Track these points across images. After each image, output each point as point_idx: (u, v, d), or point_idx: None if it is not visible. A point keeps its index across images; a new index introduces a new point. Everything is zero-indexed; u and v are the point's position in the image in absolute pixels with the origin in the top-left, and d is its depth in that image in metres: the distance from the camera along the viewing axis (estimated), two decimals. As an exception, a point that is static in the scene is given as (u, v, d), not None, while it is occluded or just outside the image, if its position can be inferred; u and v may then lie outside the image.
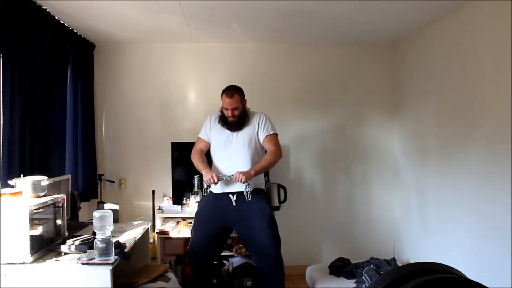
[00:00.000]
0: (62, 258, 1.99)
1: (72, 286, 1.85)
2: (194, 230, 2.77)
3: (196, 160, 2.78)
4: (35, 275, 1.85)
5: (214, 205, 2.71)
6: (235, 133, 2.72)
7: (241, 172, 2.57)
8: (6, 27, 2.30)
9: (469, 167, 2.74)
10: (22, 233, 1.85)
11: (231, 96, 2.67)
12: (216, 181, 2.57)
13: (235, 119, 2.70)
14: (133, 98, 3.79)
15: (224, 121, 2.74)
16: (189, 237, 3.33)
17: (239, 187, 2.62)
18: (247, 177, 2.56)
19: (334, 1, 2.70)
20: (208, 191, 2.72)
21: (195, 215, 2.81)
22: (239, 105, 2.69)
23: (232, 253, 3.38)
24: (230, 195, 2.65)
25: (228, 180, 2.62)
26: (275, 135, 2.77)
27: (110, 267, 1.87)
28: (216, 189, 2.69)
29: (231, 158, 2.69)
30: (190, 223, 3.36)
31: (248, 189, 2.60)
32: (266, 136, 2.74)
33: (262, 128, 2.74)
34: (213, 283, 2.95)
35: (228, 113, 2.70)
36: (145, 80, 3.80)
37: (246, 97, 2.77)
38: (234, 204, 2.65)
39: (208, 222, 2.70)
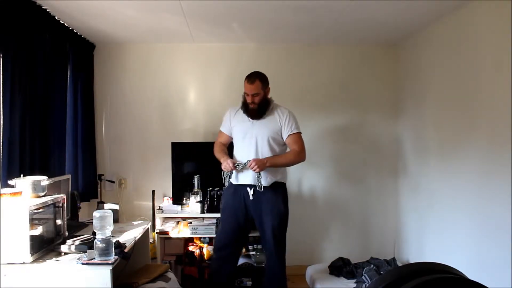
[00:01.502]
0: (62, 258, 1.99)
1: (72, 286, 1.85)
2: (220, 224, 2.85)
3: (216, 152, 2.82)
4: (35, 275, 1.85)
5: (234, 199, 2.74)
6: (256, 125, 2.70)
7: (255, 160, 2.58)
8: (6, 27, 2.30)
9: (469, 167, 2.74)
10: (22, 233, 1.85)
11: (252, 82, 2.65)
12: (231, 166, 2.61)
13: (255, 107, 2.67)
14: (133, 98, 3.79)
15: (246, 108, 2.72)
16: (189, 237, 3.38)
17: (254, 177, 2.64)
18: (260, 166, 2.56)
19: (334, 1, 2.70)
20: (228, 180, 2.75)
21: (220, 209, 2.88)
22: (260, 92, 2.66)
23: (232, 253, 3.38)
24: (248, 188, 2.68)
25: (243, 167, 2.64)
26: (299, 134, 2.73)
27: (110, 267, 1.87)
28: (235, 180, 2.74)
29: (249, 149, 2.69)
30: (190, 223, 3.37)
31: (260, 179, 2.61)
32: (289, 134, 2.70)
33: (285, 125, 2.70)
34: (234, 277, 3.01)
35: (248, 99, 2.68)
36: (145, 80, 3.80)
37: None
38: (251, 198, 2.67)
39: (231, 216, 2.75)
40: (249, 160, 2.59)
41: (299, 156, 2.68)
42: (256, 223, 2.77)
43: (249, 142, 2.70)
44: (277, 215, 2.68)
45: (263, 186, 2.63)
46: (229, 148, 2.90)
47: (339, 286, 3.06)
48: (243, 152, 2.72)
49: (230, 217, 2.75)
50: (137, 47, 3.78)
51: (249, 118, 2.72)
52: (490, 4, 2.49)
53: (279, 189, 2.73)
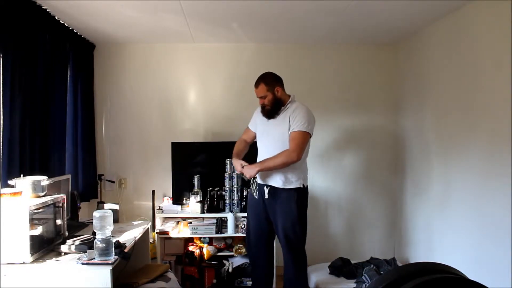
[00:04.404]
0: (62, 258, 1.99)
1: (72, 286, 1.86)
2: (246, 221, 2.94)
3: (234, 151, 2.87)
4: (35, 275, 1.85)
5: (255, 198, 2.78)
6: (270, 124, 2.73)
7: (245, 168, 2.66)
8: (6, 27, 2.30)
9: (469, 167, 2.74)
10: (22, 233, 1.85)
11: (257, 86, 2.71)
12: (239, 168, 2.72)
13: (269, 107, 2.70)
14: (133, 98, 3.79)
15: (262, 108, 2.77)
16: (189, 237, 3.39)
17: (270, 179, 2.68)
18: (248, 173, 2.64)
19: (334, 1, 2.70)
20: (254, 186, 2.79)
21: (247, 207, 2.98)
22: (267, 94, 2.67)
23: (232, 253, 3.38)
24: (264, 187, 2.70)
25: (244, 177, 2.75)
26: (301, 133, 2.57)
27: (110, 267, 1.87)
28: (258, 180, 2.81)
29: (266, 147, 2.74)
30: (190, 223, 3.37)
31: (254, 186, 2.67)
32: (291, 132, 2.60)
33: (292, 122, 2.62)
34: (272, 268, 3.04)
35: (260, 102, 2.75)
36: (145, 80, 3.80)
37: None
38: (266, 196, 2.69)
39: (252, 214, 2.83)
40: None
41: (289, 156, 2.55)
42: (273, 222, 2.78)
43: (266, 140, 2.76)
44: (289, 218, 2.65)
45: (280, 188, 2.65)
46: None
47: (339, 286, 3.06)
48: (262, 149, 2.79)
49: (252, 215, 2.84)
50: (137, 47, 3.78)
51: (266, 118, 2.76)
52: (490, 4, 2.49)
53: (293, 191, 2.66)
